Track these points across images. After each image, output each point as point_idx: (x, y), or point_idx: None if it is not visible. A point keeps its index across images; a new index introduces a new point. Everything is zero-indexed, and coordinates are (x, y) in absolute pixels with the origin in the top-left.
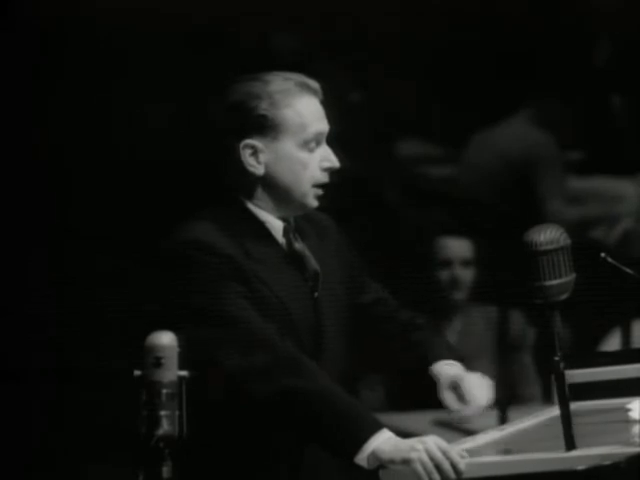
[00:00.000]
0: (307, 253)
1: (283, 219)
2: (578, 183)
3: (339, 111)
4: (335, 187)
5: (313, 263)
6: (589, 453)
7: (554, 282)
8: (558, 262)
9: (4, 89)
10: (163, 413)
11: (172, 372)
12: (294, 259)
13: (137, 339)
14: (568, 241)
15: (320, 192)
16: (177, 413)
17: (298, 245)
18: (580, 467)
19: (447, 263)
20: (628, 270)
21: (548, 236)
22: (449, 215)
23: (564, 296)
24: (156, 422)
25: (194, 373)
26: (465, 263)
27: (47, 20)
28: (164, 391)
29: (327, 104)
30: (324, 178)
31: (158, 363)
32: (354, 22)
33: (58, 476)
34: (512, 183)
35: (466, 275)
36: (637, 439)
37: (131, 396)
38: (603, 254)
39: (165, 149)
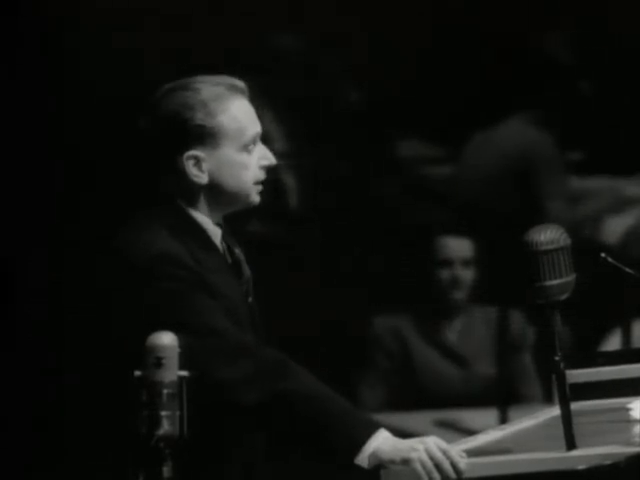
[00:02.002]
0: (242, 258)
1: (219, 225)
2: (578, 183)
3: (339, 111)
4: (335, 187)
5: (247, 268)
6: (590, 453)
7: (554, 282)
8: (558, 262)
9: (4, 89)
10: (164, 413)
11: (173, 372)
12: (233, 265)
13: (138, 339)
14: (568, 241)
15: (261, 188)
16: (177, 413)
17: (237, 251)
18: (580, 467)
19: (447, 263)
20: (628, 270)
21: (548, 236)
22: (449, 215)
23: (564, 296)
24: (157, 422)
25: (194, 373)
26: (465, 263)
27: (47, 20)
28: (165, 391)
29: (253, 100)
30: (262, 175)
31: (159, 363)
32: (354, 22)
33: (58, 476)
34: (512, 183)
35: (466, 275)
36: (638, 439)
37: (131, 396)
38: (603, 254)
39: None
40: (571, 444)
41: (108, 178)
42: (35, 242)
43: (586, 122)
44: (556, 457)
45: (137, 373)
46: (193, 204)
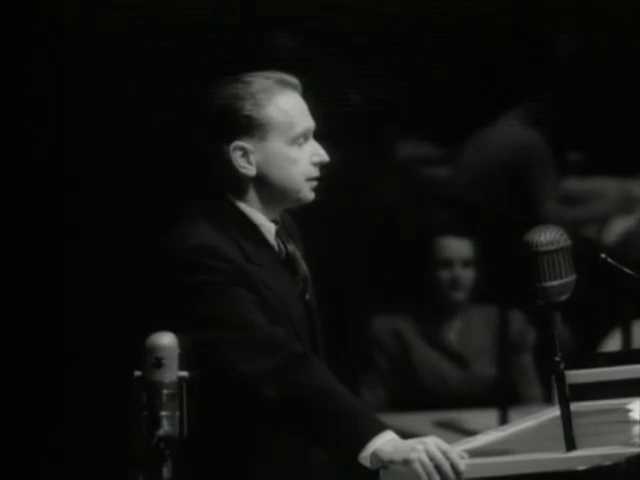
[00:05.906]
0: (298, 256)
1: (275, 221)
2: (577, 184)
3: (339, 111)
4: (335, 187)
5: (303, 266)
6: (589, 454)
7: (554, 283)
8: (558, 263)
9: (5, 89)
10: (164, 414)
11: (172, 373)
12: (287, 262)
13: (138, 339)
14: (568, 242)
15: (314, 184)
16: (177, 413)
17: (291, 248)
18: (580, 467)
19: (447, 263)
20: (628, 270)
21: (548, 237)
22: (449, 215)
23: (564, 297)
24: (157, 423)
25: (194, 373)
26: (465, 263)
27: (47, 20)
28: (164, 392)
29: (307, 97)
30: (315, 172)
31: (159, 364)
32: (354, 22)
33: (58, 476)
34: (510, 184)
35: (466, 275)
36: (637, 440)
37: (131, 397)
38: (603, 255)
39: (163, 149)
40: (571, 445)
41: (109, 178)
42: (35, 240)
43: (588, 122)
44: (556, 458)
45: (137, 373)
46: (243, 198)
